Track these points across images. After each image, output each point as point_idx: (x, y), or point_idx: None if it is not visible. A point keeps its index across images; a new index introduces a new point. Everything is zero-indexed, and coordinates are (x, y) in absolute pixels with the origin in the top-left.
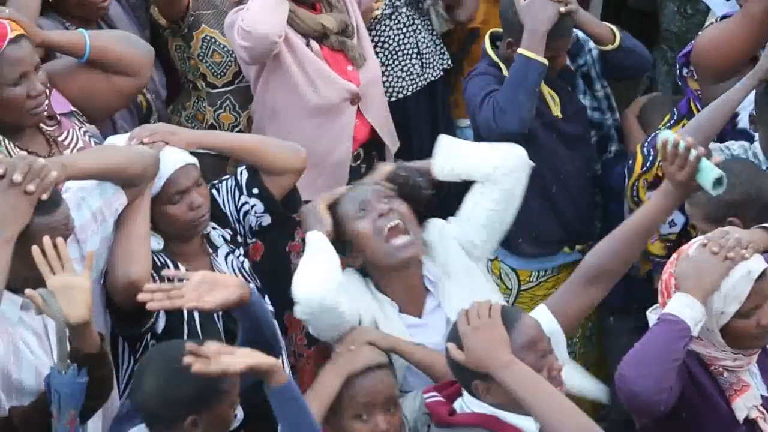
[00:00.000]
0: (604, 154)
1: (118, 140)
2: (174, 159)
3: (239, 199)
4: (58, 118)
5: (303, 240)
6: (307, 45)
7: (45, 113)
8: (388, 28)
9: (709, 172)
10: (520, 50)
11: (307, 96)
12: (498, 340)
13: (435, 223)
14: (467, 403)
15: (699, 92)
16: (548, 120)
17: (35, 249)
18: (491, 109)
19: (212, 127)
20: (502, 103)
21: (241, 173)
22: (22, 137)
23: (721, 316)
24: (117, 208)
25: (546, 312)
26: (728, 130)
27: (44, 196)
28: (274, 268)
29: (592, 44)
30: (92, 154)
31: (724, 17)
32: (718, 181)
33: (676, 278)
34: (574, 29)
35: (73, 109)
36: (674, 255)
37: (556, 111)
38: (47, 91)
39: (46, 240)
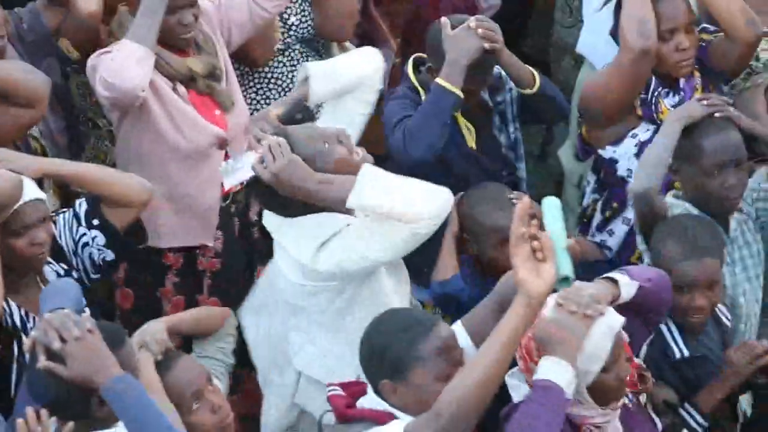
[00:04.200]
0: None
1: None
2: (24, 192)
3: (77, 231)
4: None
5: (174, 285)
6: (174, 89)
7: None
8: (281, 65)
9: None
10: (437, 80)
11: (174, 141)
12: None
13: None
14: (368, 401)
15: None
16: (465, 151)
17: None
18: (402, 134)
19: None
20: (413, 130)
21: (80, 205)
22: None
23: (587, 375)
24: None
25: (460, 329)
26: (611, 178)
27: None
28: (144, 317)
29: (512, 84)
30: None
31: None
32: (565, 279)
33: (538, 342)
34: (497, 67)
35: None
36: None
37: (471, 143)
38: None
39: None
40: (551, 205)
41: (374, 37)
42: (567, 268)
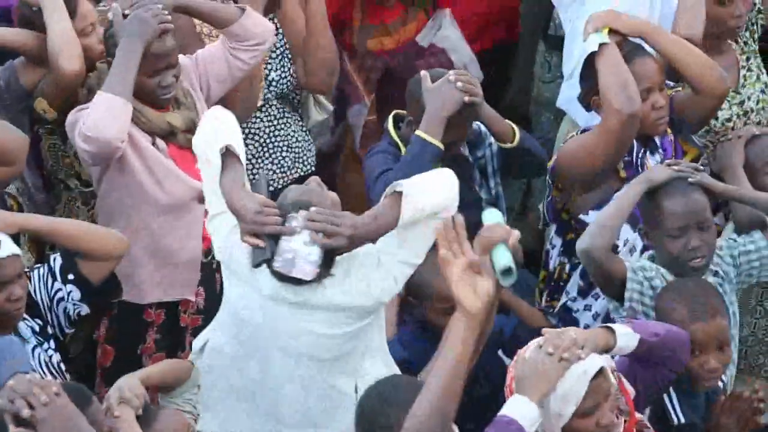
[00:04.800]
0: None
1: None
2: (1, 247)
3: (52, 286)
4: None
5: (155, 342)
6: (153, 143)
7: None
8: (258, 120)
9: (501, 258)
10: (418, 132)
11: (154, 195)
12: None
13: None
14: None
15: (556, 200)
16: None
17: None
18: (383, 186)
19: None
20: (393, 180)
21: (54, 260)
22: None
23: (560, 417)
24: None
25: None
26: None
27: None
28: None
29: (492, 139)
30: None
31: (584, 129)
32: (506, 271)
33: (515, 381)
34: (477, 122)
35: None
36: (515, 358)
37: None
38: None
39: None
40: (489, 213)
41: (349, 93)
42: (505, 260)
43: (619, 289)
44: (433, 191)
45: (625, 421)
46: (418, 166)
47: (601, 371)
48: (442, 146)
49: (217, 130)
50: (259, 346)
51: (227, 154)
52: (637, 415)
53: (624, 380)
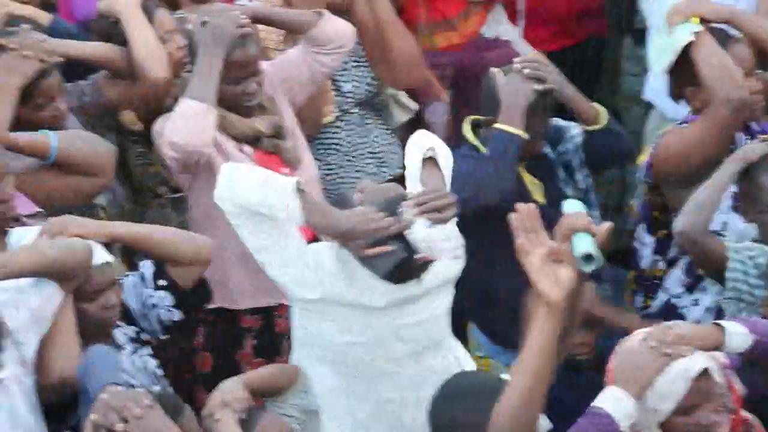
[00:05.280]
0: None
1: (23, 234)
2: (95, 256)
3: (144, 292)
4: (23, 219)
5: (253, 348)
6: (240, 149)
7: (9, 217)
8: (339, 130)
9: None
10: (497, 125)
11: None
12: None
13: None
14: None
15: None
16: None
17: None
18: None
19: None
20: (481, 176)
21: (145, 266)
22: None
23: (656, 413)
24: (56, 304)
25: None
26: None
27: None
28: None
29: (574, 131)
30: (26, 251)
31: (681, 122)
32: (587, 257)
33: (614, 371)
34: (555, 119)
35: (39, 209)
36: (617, 347)
37: (539, 197)
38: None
39: None
40: (569, 203)
41: (426, 92)
42: (585, 246)
43: (721, 270)
44: (446, 149)
45: (733, 419)
46: (502, 156)
47: (705, 371)
48: (525, 135)
49: (259, 178)
50: (365, 369)
51: (298, 189)
52: (744, 414)
53: (734, 378)
